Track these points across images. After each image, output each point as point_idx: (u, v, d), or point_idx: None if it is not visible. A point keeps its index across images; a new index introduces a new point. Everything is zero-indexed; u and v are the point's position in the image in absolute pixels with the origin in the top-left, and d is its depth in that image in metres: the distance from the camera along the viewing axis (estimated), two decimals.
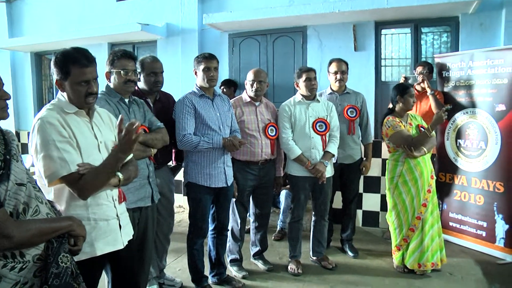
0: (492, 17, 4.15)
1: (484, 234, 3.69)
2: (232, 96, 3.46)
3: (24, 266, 1.26)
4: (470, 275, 3.25)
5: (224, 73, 5.16)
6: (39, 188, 1.42)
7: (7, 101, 1.42)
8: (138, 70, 2.73)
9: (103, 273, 2.00)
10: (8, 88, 6.43)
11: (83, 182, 1.65)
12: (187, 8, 5.23)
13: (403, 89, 3.28)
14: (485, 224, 3.68)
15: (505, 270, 3.35)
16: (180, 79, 5.16)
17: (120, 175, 1.78)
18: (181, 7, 5.25)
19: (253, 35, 5.11)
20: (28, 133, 1.41)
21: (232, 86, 4.88)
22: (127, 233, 1.93)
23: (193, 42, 5.22)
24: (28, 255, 1.27)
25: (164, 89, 2.97)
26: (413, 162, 3.20)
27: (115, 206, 1.85)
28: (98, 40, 5.56)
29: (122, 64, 2.31)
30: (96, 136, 1.79)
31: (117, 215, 1.86)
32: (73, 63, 1.68)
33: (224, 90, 4.71)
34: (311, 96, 3.29)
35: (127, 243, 1.90)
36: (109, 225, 1.81)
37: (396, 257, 3.32)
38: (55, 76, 1.73)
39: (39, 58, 6.61)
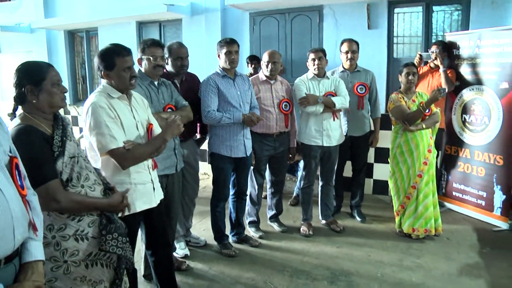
0: None
1: (483, 203, 3.96)
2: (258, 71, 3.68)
3: (81, 219, 1.72)
4: (466, 240, 3.54)
5: (245, 49, 5.41)
6: (88, 160, 1.84)
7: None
8: (166, 56, 3.03)
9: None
10: None
11: (129, 156, 2.05)
12: None
13: (401, 68, 3.56)
14: (484, 194, 3.95)
15: (498, 236, 3.64)
16: (204, 56, 5.47)
17: None
18: None
19: (272, 14, 5.32)
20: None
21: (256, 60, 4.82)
22: (159, 194, 2.34)
23: (216, 20, 5.48)
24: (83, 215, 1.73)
25: (189, 64, 3.23)
26: (410, 135, 3.49)
27: (150, 173, 2.26)
28: (126, 19, 5.90)
29: (151, 51, 2.65)
30: (134, 117, 2.18)
31: (152, 180, 2.26)
32: (117, 55, 2.07)
33: (253, 65, 4.68)
34: (320, 74, 3.55)
35: (159, 201, 2.32)
36: (145, 188, 2.22)
37: (396, 221, 3.66)
38: (101, 69, 2.10)
39: (72, 36, 7.03)
